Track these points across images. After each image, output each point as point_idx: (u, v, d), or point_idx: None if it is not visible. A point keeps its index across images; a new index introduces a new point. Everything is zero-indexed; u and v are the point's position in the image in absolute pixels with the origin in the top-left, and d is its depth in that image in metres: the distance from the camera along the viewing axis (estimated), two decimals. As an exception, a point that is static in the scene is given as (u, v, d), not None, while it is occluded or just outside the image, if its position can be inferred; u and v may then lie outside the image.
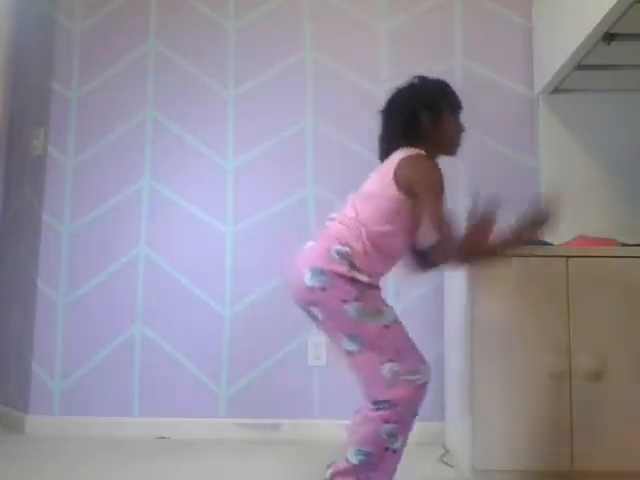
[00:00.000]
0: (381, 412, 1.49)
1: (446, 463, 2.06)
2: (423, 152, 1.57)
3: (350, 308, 1.49)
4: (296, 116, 2.59)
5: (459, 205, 2.49)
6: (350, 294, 1.49)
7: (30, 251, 2.60)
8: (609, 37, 1.90)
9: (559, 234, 2.24)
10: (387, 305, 1.56)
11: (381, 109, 1.69)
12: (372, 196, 1.58)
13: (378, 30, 2.61)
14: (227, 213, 2.56)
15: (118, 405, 2.46)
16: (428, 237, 1.51)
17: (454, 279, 2.14)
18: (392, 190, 1.53)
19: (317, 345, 2.46)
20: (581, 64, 2.13)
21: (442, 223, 1.46)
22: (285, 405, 2.44)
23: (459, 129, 1.68)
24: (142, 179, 2.58)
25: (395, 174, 1.53)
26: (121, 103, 2.62)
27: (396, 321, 1.53)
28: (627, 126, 2.44)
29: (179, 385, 2.46)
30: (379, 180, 1.59)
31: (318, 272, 1.51)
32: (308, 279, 1.52)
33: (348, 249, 1.51)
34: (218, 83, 2.62)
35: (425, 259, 1.69)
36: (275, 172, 2.57)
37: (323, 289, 1.50)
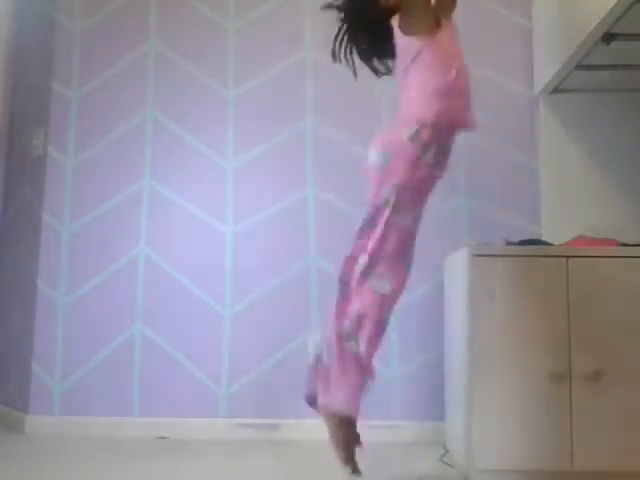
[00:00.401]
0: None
1: (446, 463, 2.06)
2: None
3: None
4: (296, 116, 2.59)
5: (459, 205, 2.50)
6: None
7: (30, 251, 2.60)
8: (609, 37, 1.90)
9: (559, 234, 2.26)
10: None
11: (339, 11, 1.68)
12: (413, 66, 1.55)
13: (378, 30, 2.60)
14: (227, 213, 2.56)
15: (118, 405, 2.46)
16: None
17: (454, 278, 2.14)
18: (414, 43, 1.53)
19: (317, 345, 2.45)
20: (581, 64, 2.13)
21: None
22: (285, 405, 2.44)
23: None
24: (142, 179, 2.58)
25: (406, 34, 1.53)
26: (121, 103, 2.62)
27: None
28: (627, 126, 2.43)
29: (179, 385, 2.46)
30: (402, 56, 1.57)
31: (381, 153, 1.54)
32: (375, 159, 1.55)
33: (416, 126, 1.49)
34: (218, 83, 2.62)
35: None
36: (275, 172, 2.57)
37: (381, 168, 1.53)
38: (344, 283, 1.56)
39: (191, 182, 2.58)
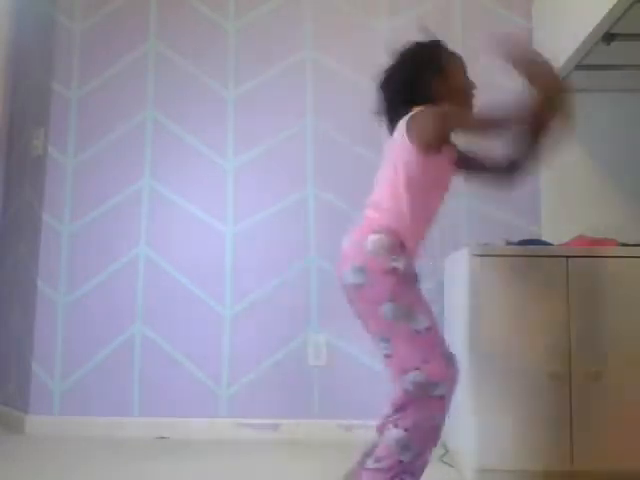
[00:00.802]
0: (394, 416, 1.43)
1: (446, 463, 2.06)
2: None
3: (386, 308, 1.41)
4: (296, 116, 2.59)
5: (459, 205, 2.50)
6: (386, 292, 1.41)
7: (30, 251, 2.60)
8: (609, 37, 1.90)
9: (559, 234, 2.26)
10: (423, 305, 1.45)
11: (379, 82, 1.62)
12: (395, 166, 1.51)
13: (378, 30, 2.61)
14: (227, 213, 2.56)
15: (118, 405, 2.46)
16: (486, 146, 1.48)
17: (454, 278, 2.14)
18: (409, 147, 1.46)
19: (317, 345, 2.46)
20: (581, 64, 2.13)
21: (477, 120, 1.44)
22: (285, 405, 2.44)
23: (468, 84, 1.58)
24: (142, 179, 2.58)
25: (407, 130, 1.46)
26: (121, 103, 2.62)
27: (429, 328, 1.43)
28: (627, 126, 2.44)
29: (179, 385, 2.46)
30: (395, 148, 1.52)
31: (357, 269, 1.45)
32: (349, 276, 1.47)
33: (383, 235, 1.45)
34: (218, 83, 2.62)
35: (501, 169, 1.63)
36: (275, 172, 2.57)
37: (361, 286, 1.45)
38: None
39: (191, 182, 2.58)
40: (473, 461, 1.81)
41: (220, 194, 2.57)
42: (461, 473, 1.93)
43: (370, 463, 1.46)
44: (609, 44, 1.93)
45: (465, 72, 1.59)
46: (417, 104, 1.50)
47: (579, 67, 2.16)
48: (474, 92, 1.59)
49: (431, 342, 1.42)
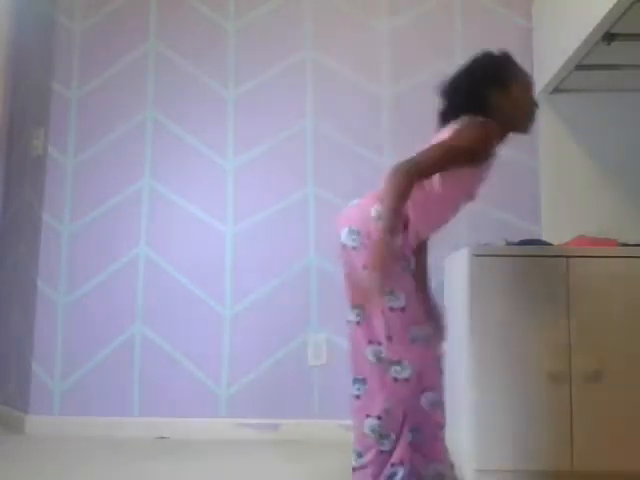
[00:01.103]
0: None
1: (446, 463, 2.06)
2: (485, 120, 1.48)
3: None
4: (296, 116, 2.59)
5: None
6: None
7: (30, 251, 2.60)
8: (609, 37, 1.90)
9: (559, 234, 2.26)
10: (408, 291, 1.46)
11: (442, 89, 1.59)
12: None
13: (378, 30, 2.61)
14: (227, 213, 2.56)
15: (118, 405, 2.46)
16: None
17: (454, 278, 2.14)
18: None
19: (317, 345, 2.46)
20: (581, 64, 2.13)
21: (416, 165, 1.42)
22: (285, 405, 2.44)
23: (531, 103, 1.56)
24: (142, 179, 2.58)
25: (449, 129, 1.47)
26: (121, 103, 2.62)
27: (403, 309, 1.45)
28: (627, 126, 2.44)
29: (179, 385, 2.46)
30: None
31: (354, 231, 1.47)
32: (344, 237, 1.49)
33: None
34: (218, 83, 2.62)
35: None
36: (275, 172, 2.57)
37: (354, 248, 1.47)
38: None
39: (191, 182, 2.58)
40: (473, 461, 1.80)
41: (220, 194, 2.57)
42: (461, 473, 1.93)
43: (353, 460, 1.47)
44: (609, 44, 1.93)
45: (530, 91, 1.58)
46: (474, 113, 1.49)
47: (579, 67, 2.16)
48: (534, 110, 1.57)
49: (401, 322, 1.43)
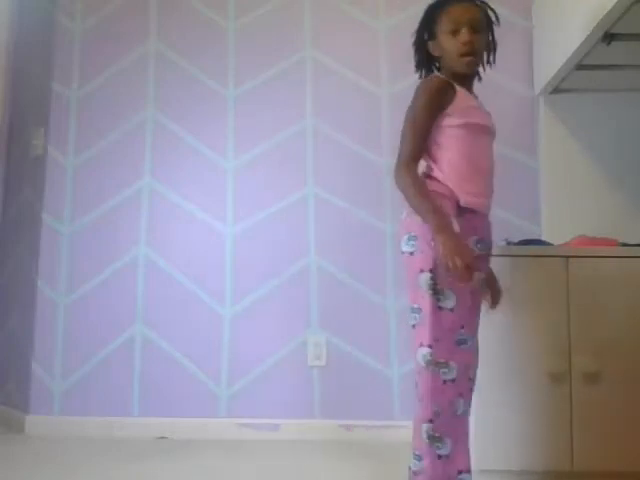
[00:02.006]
0: (418, 409, 1.44)
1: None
2: (434, 74, 1.57)
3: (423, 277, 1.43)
4: (296, 116, 2.59)
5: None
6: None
7: (30, 251, 2.60)
8: (609, 37, 1.90)
9: (559, 234, 2.26)
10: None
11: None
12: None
13: (378, 30, 2.61)
14: (227, 213, 2.56)
15: (118, 405, 2.46)
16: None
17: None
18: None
19: (317, 345, 2.46)
20: (581, 64, 2.13)
21: (402, 150, 1.47)
22: (285, 405, 2.44)
23: (456, 40, 1.51)
24: (142, 179, 2.58)
25: None
26: (121, 103, 2.62)
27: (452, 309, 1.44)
28: (627, 126, 2.43)
29: (179, 385, 2.46)
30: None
31: (412, 237, 1.47)
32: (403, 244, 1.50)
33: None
34: (218, 83, 2.62)
35: None
36: (275, 172, 2.57)
37: (411, 254, 1.47)
38: None
39: (191, 182, 2.58)
40: (473, 461, 1.80)
41: (220, 194, 2.57)
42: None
43: (412, 464, 1.47)
44: (609, 44, 1.93)
45: (455, 29, 1.52)
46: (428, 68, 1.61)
47: (579, 67, 2.15)
48: (466, 50, 1.52)
49: (449, 323, 1.43)
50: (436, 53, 1.57)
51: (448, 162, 1.48)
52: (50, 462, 2.05)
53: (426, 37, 1.59)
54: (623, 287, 1.84)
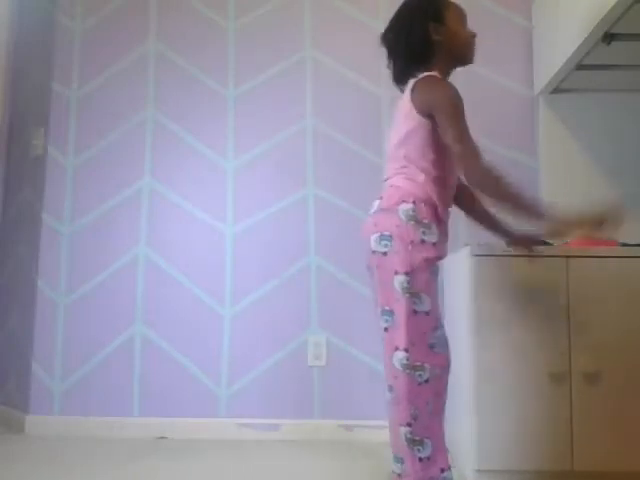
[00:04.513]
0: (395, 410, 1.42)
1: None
2: (435, 73, 1.49)
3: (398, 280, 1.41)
4: (296, 116, 2.59)
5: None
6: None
7: (30, 251, 2.60)
8: (609, 37, 1.90)
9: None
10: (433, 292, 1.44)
11: (382, 36, 1.61)
12: (407, 135, 1.48)
13: (378, 30, 2.60)
14: (227, 213, 2.56)
15: (118, 405, 2.46)
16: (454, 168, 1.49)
17: (454, 278, 2.14)
18: (416, 116, 1.45)
19: (317, 345, 2.46)
20: (581, 64, 2.13)
21: (464, 139, 1.39)
22: (285, 405, 2.44)
23: (468, 32, 1.55)
24: (142, 179, 2.58)
25: (412, 99, 1.46)
26: (121, 103, 2.62)
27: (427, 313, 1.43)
28: (627, 126, 2.44)
29: (179, 385, 2.46)
30: (403, 115, 1.50)
31: (386, 237, 1.43)
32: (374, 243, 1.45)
33: (413, 206, 1.43)
34: (218, 83, 2.62)
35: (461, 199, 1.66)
36: (275, 172, 2.57)
37: (385, 254, 1.43)
38: None
39: (191, 182, 2.58)
40: (473, 461, 1.80)
41: (220, 194, 2.57)
42: (461, 473, 1.93)
43: (396, 467, 1.46)
44: (609, 44, 1.93)
45: (464, 21, 1.56)
46: (421, 57, 1.50)
47: (579, 67, 2.16)
48: (474, 42, 1.55)
49: (423, 326, 1.42)
50: (438, 36, 1.49)
51: (435, 167, 1.46)
52: (50, 462, 2.05)
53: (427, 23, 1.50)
54: (623, 287, 1.84)
